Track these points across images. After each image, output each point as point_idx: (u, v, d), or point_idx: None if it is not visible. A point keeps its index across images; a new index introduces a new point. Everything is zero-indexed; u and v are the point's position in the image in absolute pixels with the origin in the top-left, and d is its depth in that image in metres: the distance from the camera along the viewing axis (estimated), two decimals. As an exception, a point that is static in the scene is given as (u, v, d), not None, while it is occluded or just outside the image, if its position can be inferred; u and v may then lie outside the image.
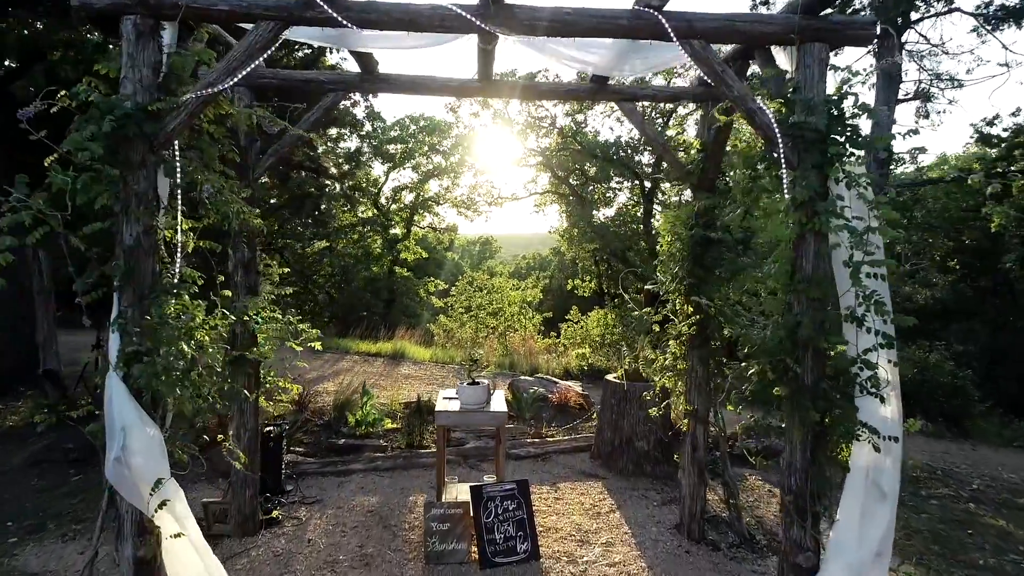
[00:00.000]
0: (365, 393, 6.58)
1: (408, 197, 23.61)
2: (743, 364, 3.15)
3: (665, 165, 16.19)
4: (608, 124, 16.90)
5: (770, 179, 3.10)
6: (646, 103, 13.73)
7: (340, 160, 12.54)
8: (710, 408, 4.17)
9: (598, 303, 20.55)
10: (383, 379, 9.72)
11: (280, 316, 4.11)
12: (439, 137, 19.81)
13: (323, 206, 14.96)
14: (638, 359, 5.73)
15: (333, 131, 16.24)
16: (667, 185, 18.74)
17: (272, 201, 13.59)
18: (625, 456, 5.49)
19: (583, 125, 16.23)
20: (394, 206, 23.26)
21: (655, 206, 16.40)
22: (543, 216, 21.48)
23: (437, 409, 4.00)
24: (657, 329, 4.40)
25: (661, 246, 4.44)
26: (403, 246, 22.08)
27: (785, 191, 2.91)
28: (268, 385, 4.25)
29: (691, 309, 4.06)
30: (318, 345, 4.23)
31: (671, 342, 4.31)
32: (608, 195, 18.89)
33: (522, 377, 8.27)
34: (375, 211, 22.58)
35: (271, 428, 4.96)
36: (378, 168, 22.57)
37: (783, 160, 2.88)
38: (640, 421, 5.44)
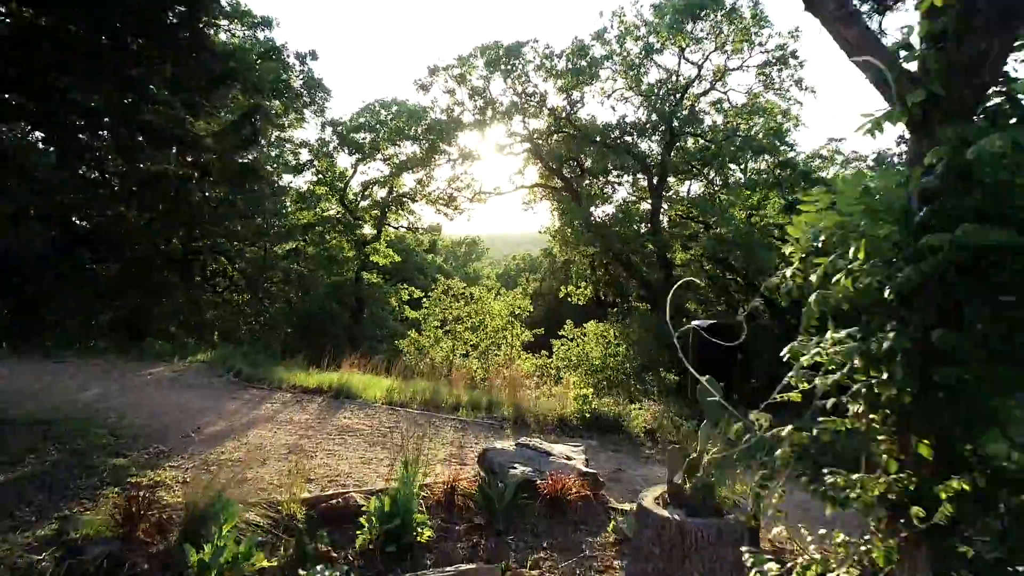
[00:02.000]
0: (221, 509, 3.92)
1: (380, 193, 20.94)
2: None
3: (675, 155, 13.65)
4: (609, 104, 14.39)
5: None
6: None
7: (227, 127, 9.64)
8: None
9: (596, 313, 18.03)
10: (311, 435, 7.07)
11: None
12: (412, 122, 17.09)
13: (198, 196, 11.60)
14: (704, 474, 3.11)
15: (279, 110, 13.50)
16: (672, 179, 16.26)
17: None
18: (681, 662, 2.90)
19: (578, 105, 13.68)
20: (363, 203, 20.56)
21: (663, 203, 13.93)
22: (534, 213, 18.96)
23: None
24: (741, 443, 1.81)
25: (788, 277, 1.84)
26: (372, 248, 19.40)
27: None
28: None
29: (924, 453, 1.48)
30: None
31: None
32: (606, 190, 16.38)
33: (499, 446, 5.66)
34: (341, 208, 19.90)
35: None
36: (344, 159, 19.89)
37: None
38: (710, 593, 2.86)
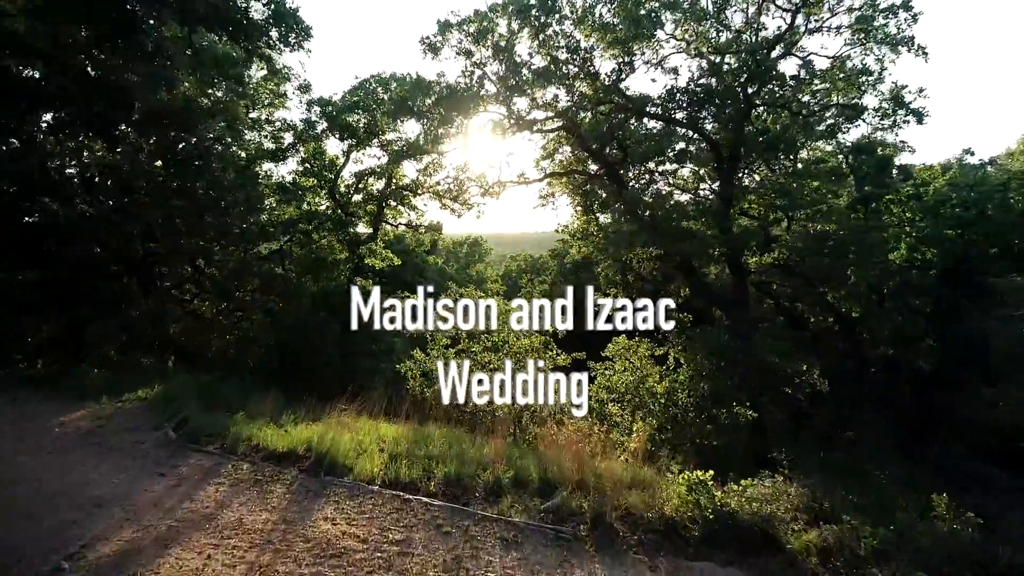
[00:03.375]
0: None
1: (376, 185, 18.06)
2: None
3: (751, 126, 10.86)
4: (671, 65, 11.12)
5: None
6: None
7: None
8: None
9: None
10: (268, 564, 4.24)
11: None
12: (417, 94, 14.13)
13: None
14: None
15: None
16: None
17: None
18: None
19: (628, 69, 10.81)
20: (357, 196, 17.70)
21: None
22: (553, 209, 15.98)
23: None
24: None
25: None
26: (368, 248, 16.57)
27: None
28: None
29: None
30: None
31: None
32: (644, 179, 13.53)
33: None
34: (331, 202, 17.04)
35: None
36: (334, 146, 17.03)
37: None
38: None
